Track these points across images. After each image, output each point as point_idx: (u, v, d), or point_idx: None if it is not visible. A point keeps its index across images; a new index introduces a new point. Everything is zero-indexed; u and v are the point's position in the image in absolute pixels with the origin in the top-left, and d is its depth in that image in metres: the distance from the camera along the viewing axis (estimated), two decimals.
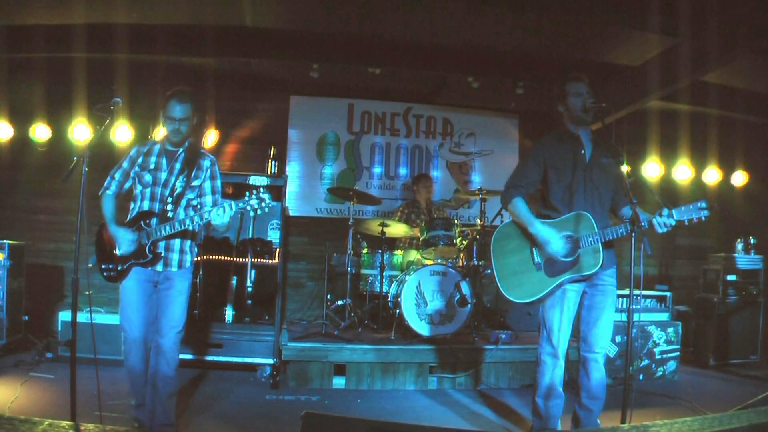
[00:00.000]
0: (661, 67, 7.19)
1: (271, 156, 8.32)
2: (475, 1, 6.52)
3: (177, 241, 4.74)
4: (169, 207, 4.67)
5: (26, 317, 7.60)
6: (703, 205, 4.10)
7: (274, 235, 7.66)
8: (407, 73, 8.69)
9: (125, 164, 4.77)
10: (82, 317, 5.24)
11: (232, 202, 4.47)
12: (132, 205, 4.76)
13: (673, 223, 4.20)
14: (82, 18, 6.88)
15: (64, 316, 7.06)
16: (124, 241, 4.56)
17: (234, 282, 7.47)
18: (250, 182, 6.84)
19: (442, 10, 6.77)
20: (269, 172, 8.16)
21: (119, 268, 4.63)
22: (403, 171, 9.86)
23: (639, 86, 7.63)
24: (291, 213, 9.36)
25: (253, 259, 7.29)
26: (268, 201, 4.49)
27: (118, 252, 4.61)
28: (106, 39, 7.04)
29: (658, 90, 7.49)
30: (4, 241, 7.27)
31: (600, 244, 4.36)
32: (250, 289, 7.44)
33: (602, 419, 4.75)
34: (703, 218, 4.13)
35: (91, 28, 7.01)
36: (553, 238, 4.45)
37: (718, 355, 7.99)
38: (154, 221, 4.62)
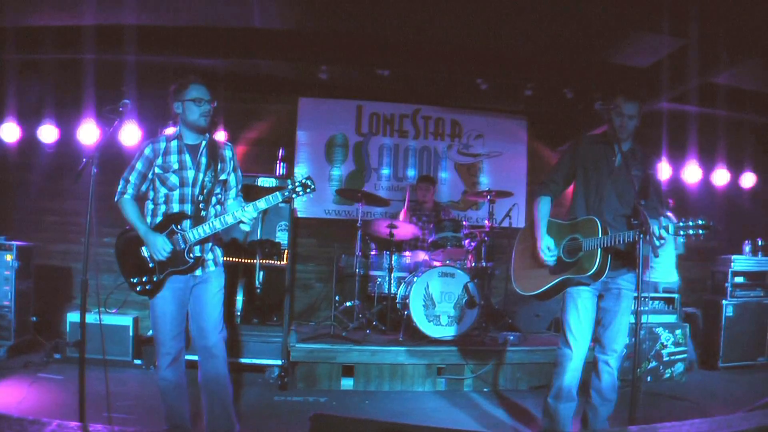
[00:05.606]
0: (670, 69, 7.16)
1: (280, 158, 8.32)
2: (483, 3, 6.52)
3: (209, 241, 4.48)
4: (201, 206, 4.37)
5: (35, 318, 7.63)
6: (701, 222, 3.97)
7: (282, 237, 7.65)
8: (416, 75, 8.65)
9: (139, 166, 4.38)
10: (91, 318, 5.25)
11: (278, 193, 4.27)
12: (151, 208, 4.42)
13: (666, 236, 4.16)
14: (92, 19, 6.91)
15: (73, 317, 7.06)
16: (161, 249, 4.21)
17: (242, 283, 7.47)
18: (259, 184, 6.86)
19: (451, 12, 6.77)
20: (278, 174, 8.15)
21: (155, 279, 4.28)
22: (411, 172, 9.84)
23: (648, 88, 7.60)
24: (299, 214, 9.35)
25: (261, 261, 7.27)
26: (313, 186, 4.34)
27: (152, 261, 4.28)
28: (115, 40, 7.03)
29: (667, 91, 7.47)
30: (13, 242, 7.30)
31: (600, 249, 4.35)
32: (258, 291, 7.42)
33: (610, 421, 4.75)
34: (701, 236, 4.06)
35: (100, 30, 7.03)
36: (544, 248, 4.62)
37: (725, 357, 7.95)
38: (186, 224, 4.31)
